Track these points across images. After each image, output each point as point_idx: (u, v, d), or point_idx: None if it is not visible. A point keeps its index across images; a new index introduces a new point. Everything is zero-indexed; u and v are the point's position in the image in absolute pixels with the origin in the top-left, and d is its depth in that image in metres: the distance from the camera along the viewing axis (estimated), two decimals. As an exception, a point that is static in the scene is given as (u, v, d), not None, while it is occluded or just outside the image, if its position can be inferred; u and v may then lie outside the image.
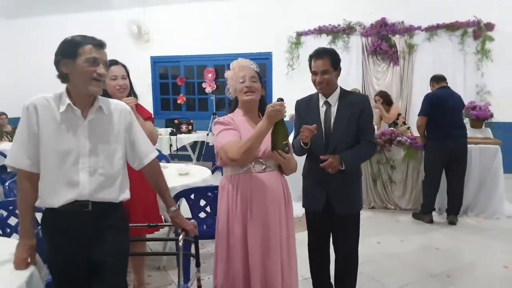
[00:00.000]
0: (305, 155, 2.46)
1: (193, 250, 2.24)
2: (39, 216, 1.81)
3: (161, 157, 4.03)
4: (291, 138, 2.24)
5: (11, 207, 2.51)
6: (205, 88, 7.69)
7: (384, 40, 6.68)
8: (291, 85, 6.62)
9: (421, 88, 6.45)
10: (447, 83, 4.43)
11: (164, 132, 6.83)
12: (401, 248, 3.75)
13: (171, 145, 6.73)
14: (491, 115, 5.21)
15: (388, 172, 4.84)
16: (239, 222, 2.02)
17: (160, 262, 3.29)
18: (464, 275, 3.19)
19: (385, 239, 3.86)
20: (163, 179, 2.01)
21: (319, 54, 2.33)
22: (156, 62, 8.14)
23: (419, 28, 6.61)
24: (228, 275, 2.06)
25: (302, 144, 2.29)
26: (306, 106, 2.46)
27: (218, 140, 2.02)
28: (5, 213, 2.40)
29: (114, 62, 2.54)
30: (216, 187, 2.94)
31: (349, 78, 6.62)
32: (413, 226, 4.34)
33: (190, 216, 2.78)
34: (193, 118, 7.48)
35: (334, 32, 6.93)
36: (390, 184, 4.88)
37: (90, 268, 1.70)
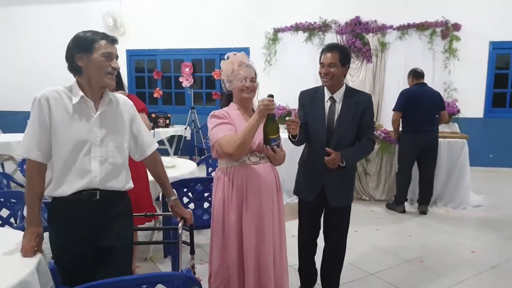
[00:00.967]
0: (304, 145, 2.60)
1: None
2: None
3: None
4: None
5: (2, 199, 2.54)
6: (182, 82, 7.72)
7: (358, 38, 6.89)
8: (268, 81, 6.76)
9: (393, 85, 6.78)
10: (423, 78, 4.65)
11: (141, 126, 6.82)
12: (377, 236, 3.97)
13: (148, 139, 6.73)
14: (458, 111, 5.52)
15: (363, 165, 5.06)
16: (234, 212, 2.12)
17: (147, 254, 3.35)
18: (435, 260, 3.42)
19: (361, 228, 4.06)
20: (163, 168, 2.10)
21: (330, 47, 2.45)
22: (132, 55, 8.08)
23: (391, 27, 6.85)
24: (222, 262, 2.17)
25: (290, 136, 2.38)
26: (311, 98, 2.55)
27: (214, 133, 2.11)
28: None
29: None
30: (208, 179, 3.07)
31: (325, 74, 6.79)
32: (387, 216, 4.58)
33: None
34: (170, 112, 7.49)
35: (311, 29, 7.09)
36: (365, 176, 5.10)
37: (97, 256, 1.78)
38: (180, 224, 2.09)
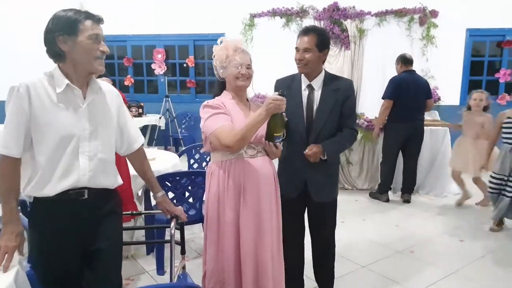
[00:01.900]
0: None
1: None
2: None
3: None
4: None
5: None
6: (155, 69, 7.39)
7: (337, 25, 6.77)
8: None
9: (371, 72, 6.73)
10: (412, 65, 4.57)
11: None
12: (364, 226, 3.89)
13: (120, 129, 6.41)
14: (439, 98, 5.52)
15: (346, 154, 4.97)
16: (231, 209, 1.95)
17: (129, 252, 3.13)
18: (425, 250, 3.37)
19: (347, 219, 3.97)
20: (148, 163, 1.92)
21: (306, 30, 2.22)
22: (100, 41, 7.65)
23: (369, 13, 6.76)
24: (218, 262, 2.00)
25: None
26: (287, 87, 2.32)
27: (209, 125, 1.92)
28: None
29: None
30: (194, 173, 2.86)
31: (303, 61, 6.67)
32: (371, 205, 4.52)
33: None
34: (142, 100, 7.17)
35: (288, 14, 6.90)
36: (348, 165, 5.02)
37: (84, 258, 1.59)
38: (172, 224, 1.90)
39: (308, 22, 6.86)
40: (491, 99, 4.44)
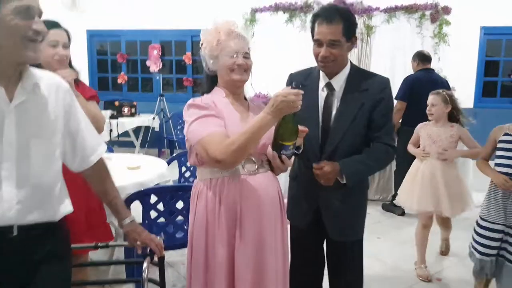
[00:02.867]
0: None
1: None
2: None
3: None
4: None
5: None
6: (150, 66, 6.96)
7: (343, 20, 6.35)
8: (247, 66, 6.11)
9: (379, 71, 6.17)
10: (431, 64, 4.17)
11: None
12: (380, 247, 3.45)
13: (111, 131, 5.98)
14: (455, 101, 5.08)
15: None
16: (223, 243, 1.53)
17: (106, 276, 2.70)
18: (456, 276, 2.95)
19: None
20: (112, 181, 1.46)
21: (328, 15, 1.67)
22: (93, 36, 7.23)
23: (378, 9, 6.35)
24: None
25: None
26: (301, 85, 1.91)
27: (194, 130, 1.50)
28: None
29: (55, 24, 1.91)
30: (184, 187, 2.43)
31: (309, 60, 6.26)
32: (385, 220, 4.10)
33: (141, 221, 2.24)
34: (136, 99, 6.75)
35: (292, 9, 6.48)
36: (356, 173, 4.60)
37: None
38: (145, 264, 1.46)
39: (313, 17, 6.45)
40: (459, 104, 3.20)
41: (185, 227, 2.40)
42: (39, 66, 1.31)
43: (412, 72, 4.35)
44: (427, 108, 3.10)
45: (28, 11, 1.06)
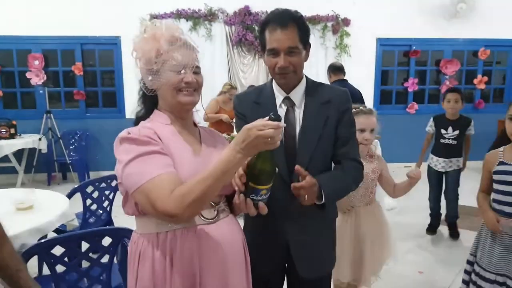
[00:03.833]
0: None
1: None
2: None
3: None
4: None
5: None
6: (31, 79, 6.00)
7: (249, 30, 6.19)
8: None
9: (286, 82, 6.27)
10: (344, 74, 4.13)
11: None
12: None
13: (-16, 156, 4.95)
14: (364, 109, 5.20)
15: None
16: None
17: None
18: (384, 285, 2.84)
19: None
20: (11, 247, 0.98)
21: (281, 21, 1.42)
22: (-46, 42, 5.99)
23: (282, 19, 6.32)
24: None
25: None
26: (252, 105, 1.55)
27: (132, 174, 1.09)
28: None
29: None
30: (100, 232, 1.87)
31: (214, 71, 5.98)
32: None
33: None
34: (15, 118, 5.72)
35: (195, 17, 6.12)
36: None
37: None
38: None
39: (218, 26, 6.19)
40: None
41: (102, 278, 1.88)
42: None
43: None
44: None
45: None
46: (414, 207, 4.56)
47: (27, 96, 6.32)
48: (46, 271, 1.84)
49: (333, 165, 1.59)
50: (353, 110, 1.75)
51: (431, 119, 3.81)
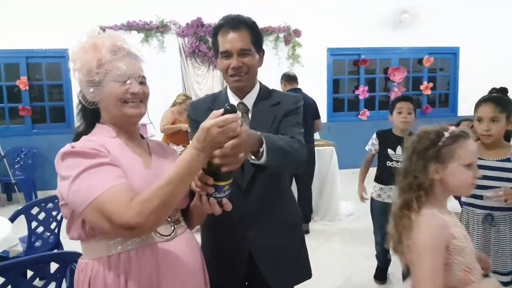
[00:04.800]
0: None
1: None
2: None
3: None
4: None
5: None
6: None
7: (203, 42, 6.17)
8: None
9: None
10: (298, 83, 4.19)
11: None
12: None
13: None
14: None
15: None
16: None
17: None
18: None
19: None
20: None
21: (233, 23, 1.45)
22: None
23: (235, 30, 6.35)
24: None
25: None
26: (207, 112, 1.47)
27: (81, 190, 1.01)
28: None
29: None
30: (50, 256, 1.76)
31: (168, 82, 5.89)
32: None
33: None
34: (-46, 137, 5.36)
35: (147, 29, 6.03)
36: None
37: None
38: None
39: (170, 37, 6.14)
40: None
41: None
42: None
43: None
44: None
45: None
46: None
47: (-33, 113, 5.96)
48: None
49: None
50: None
51: (374, 136, 3.00)
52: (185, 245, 1.16)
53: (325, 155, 4.56)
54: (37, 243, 2.60)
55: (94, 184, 1.00)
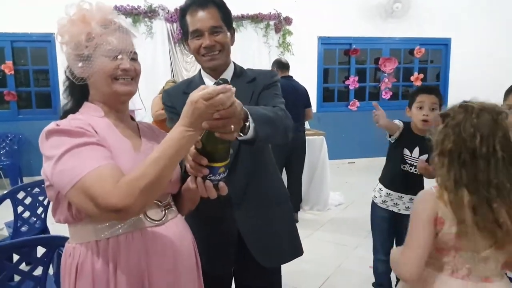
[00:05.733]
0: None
1: None
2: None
3: None
4: None
5: None
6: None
7: (192, 28, 6.07)
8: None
9: (231, 80, 6.23)
10: (289, 71, 4.15)
11: None
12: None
13: None
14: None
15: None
16: None
17: None
18: (342, 285, 2.88)
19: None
20: None
21: (201, 2, 1.42)
22: None
23: (225, 17, 6.27)
24: None
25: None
26: (182, 96, 1.44)
27: (66, 170, 0.96)
28: None
29: None
30: (35, 240, 1.71)
31: (157, 69, 5.81)
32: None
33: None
34: None
35: (134, 14, 5.92)
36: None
37: None
38: None
39: (159, 23, 6.03)
40: None
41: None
42: None
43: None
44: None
45: None
46: (362, 202, 4.70)
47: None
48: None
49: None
50: None
51: (401, 122, 2.30)
52: (176, 230, 1.13)
53: (315, 144, 4.54)
54: (23, 228, 2.55)
55: (79, 164, 0.95)
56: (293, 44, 6.57)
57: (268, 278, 1.63)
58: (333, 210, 4.53)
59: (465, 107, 1.21)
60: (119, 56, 1.09)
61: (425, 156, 2.08)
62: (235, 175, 1.43)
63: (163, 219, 1.11)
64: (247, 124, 1.12)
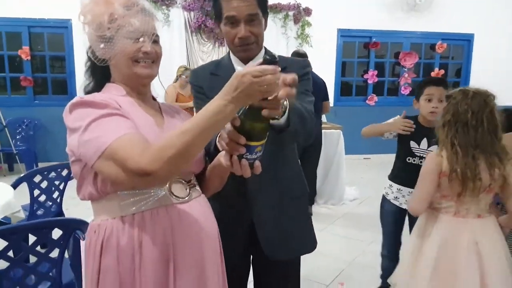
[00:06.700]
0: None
1: None
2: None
3: None
4: None
5: None
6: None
7: (209, 17, 6.01)
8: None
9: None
10: (309, 62, 4.06)
11: None
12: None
13: None
14: (326, 99, 5.19)
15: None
16: None
17: None
18: (356, 279, 2.82)
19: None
20: None
21: None
22: None
23: (243, 7, 6.19)
24: None
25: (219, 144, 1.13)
26: (210, 77, 1.44)
27: (92, 140, 0.94)
28: None
29: None
30: (51, 223, 1.68)
31: (173, 58, 5.76)
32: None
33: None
34: (-46, 104, 5.26)
35: (152, 1, 5.86)
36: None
37: None
38: None
39: (176, 11, 5.99)
40: None
41: (51, 274, 1.70)
42: None
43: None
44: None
45: None
46: (377, 197, 4.60)
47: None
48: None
49: None
50: None
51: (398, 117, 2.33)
52: (200, 209, 1.10)
53: (332, 138, 4.47)
54: (39, 212, 2.54)
55: (106, 132, 0.93)
56: (311, 35, 6.46)
57: (285, 271, 1.58)
58: (348, 204, 4.46)
59: (463, 91, 1.64)
60: (141, 39, 1.07)
61: (434, 147, 1.96)
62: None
63: (188, 197, 1.09)
64: (282, 108, 1.05)
